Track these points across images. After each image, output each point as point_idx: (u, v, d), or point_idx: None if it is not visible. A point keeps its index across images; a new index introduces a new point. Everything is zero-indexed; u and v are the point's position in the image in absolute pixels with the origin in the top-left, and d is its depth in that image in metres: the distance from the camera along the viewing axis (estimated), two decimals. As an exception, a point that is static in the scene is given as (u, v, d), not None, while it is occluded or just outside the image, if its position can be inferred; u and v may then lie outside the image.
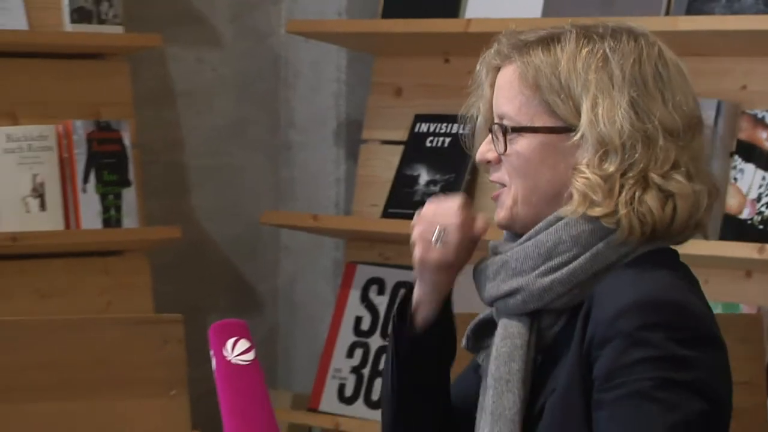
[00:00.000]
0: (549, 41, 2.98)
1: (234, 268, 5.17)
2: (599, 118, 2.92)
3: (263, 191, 5.33)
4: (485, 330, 3.15)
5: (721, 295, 4.66)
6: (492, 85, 3.00)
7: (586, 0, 4.92)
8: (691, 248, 4.46)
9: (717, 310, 4.55)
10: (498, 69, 2.98)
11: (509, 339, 3.03)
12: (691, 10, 4.56)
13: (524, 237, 3.01)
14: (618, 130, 2.89)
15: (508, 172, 2.98)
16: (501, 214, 3.02)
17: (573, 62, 2.95)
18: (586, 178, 2.91)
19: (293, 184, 5.53)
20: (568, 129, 2.95)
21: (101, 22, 4.73)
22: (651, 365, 2.91)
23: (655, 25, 4.33)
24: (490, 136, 2.98)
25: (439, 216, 3.03)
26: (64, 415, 3.34)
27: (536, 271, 2.97)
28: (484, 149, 2.99)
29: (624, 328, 2.86)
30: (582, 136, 2.92)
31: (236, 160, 5.41)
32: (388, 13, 5.07)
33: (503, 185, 3.00)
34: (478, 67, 3.02)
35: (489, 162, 2.97)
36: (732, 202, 4.71)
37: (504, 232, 3.11)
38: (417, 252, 3.08)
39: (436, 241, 3.13)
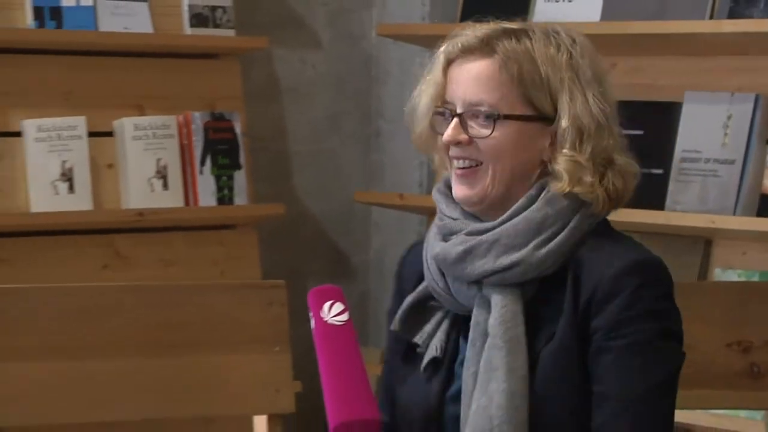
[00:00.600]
0: (518, 38, 3.08)
1: (331, 241, 5.18)
2: (577, 110, 3.04)
3: (356, 174, 5.37)
4: (419, 312, 3.15)
5: (758, 264, 4.59)
6: (446, 75, 3.08)
7: (642, 6, 4.78)
8: (735, 224, 4.51)
9: (755, 277, 4.54)
10: (452, 62, 3.07)
11: (509, 306, 3.07)
12: (733, 14, 4.51)
13: (507, 215, 3.06)
14: (592, 119, 3.01)
15: (487, 154, 3.04)
16: (474, 191, 3.07)
17: (550, 61, 3.08)
18: (574, 161, 3.04)
19: (382, 167, 5.55)
20: (544, 118, 3.07)
21: (216, 26, 4.78)
22: (651, 318, 3.08)
23: (701, 28, 4.58)
24: (457, 119, 3.04)
25: None
26: (184, 368, 3.37)
27: (531, 245, 3.04)
28: (455, 132, 3.03)
29: (627, 285, 3.01)
30: (562, 125, 3.04)
31: (333, 147, 5.43)
32: (465, 18, 4.93)
33: (476, 164, 3.05)
34: (435, 59, 3.08)
35: (459, 143, 3.03)
36: (767, 183, 4.60)
37: (446, 211, 3.15)
38: None
39: None
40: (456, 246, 3.04)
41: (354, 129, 5.43)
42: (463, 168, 3.07)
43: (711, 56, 4.63)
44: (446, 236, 3.10)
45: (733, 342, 3.57)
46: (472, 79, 3.06)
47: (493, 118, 3.05)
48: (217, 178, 4.76)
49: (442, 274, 3.13)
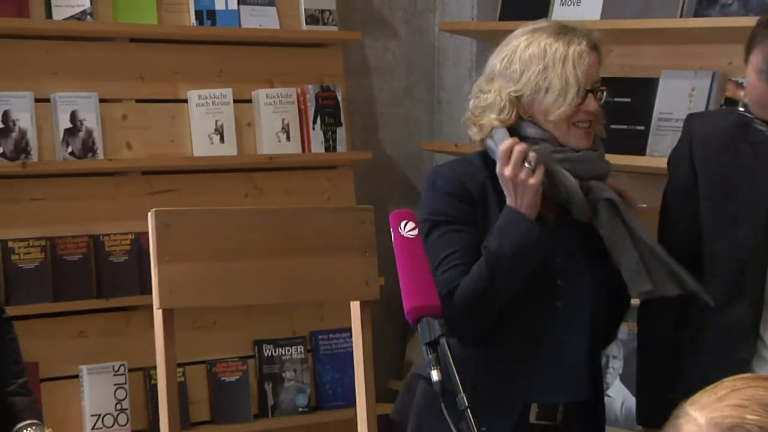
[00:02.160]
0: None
1: (405, 178, 5.14)
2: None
3: (424, 129, 5.26)
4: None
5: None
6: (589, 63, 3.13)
7: (630, 7, 4.74)
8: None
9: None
10: (590, 52, 3.12)
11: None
12: (697, 14, 4.50)
13: (594, 147, 3.21)
14: None
15: (595, 117, 3.16)
16: (590, 138, 3.17)
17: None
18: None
19: (441, 124, 5.38)
20: None
21: (324, 24, 4.84)
22: None
23: (674, 24, 4.58)
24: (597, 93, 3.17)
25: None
26: (302, 267, 3.40)
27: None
28: (597, 104, 3.15)
29: None
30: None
31: (407, 110, 5.32)
32: (503, 17, 5.03)
33: (590, 124, 3.15)
34: (575, 51, 3.10)
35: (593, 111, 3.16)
36: None
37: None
38: (523, 177, 3.04)
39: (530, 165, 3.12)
40: (594, 157, 3.16)
41: (422, 97, 5.36)
42: (587, 127, 3.15)
43: (680, 44, 4.61)
44: (571, 158, 3.13)
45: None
46: (596, 66, 3.17)
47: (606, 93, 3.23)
48: (324, 132, 4.80)
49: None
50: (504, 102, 3.16)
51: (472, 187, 3.19)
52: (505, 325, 3.21)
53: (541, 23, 3.32)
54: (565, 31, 3.22)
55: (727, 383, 1.33)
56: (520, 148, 3.04)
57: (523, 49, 3.16)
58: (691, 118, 3.43)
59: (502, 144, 3.05)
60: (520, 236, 3.05)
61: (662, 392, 3.25)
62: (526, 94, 3.14)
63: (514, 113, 3.13)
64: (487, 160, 3.23)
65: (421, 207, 3.19)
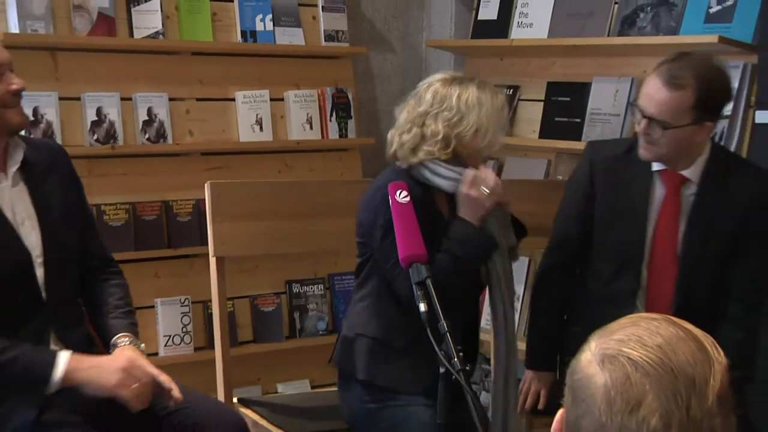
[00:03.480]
0: None
1: None
2: None
3: None
4: None
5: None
6: None
7: (570, 29, 4.62)
8: None
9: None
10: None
11: None
12: (620, 33, 4.42)
13: None
14: None
15: None
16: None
17: None
18: None
19: None
20: None
21: (338, 41, 4.79)
22: None
23: (603, 42, 4.45)
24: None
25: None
26: (322, 226, 3.48)
27: None
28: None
29: None
30: None
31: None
32: (473, 37, 4.98)
33: None
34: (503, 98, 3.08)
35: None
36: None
37: None
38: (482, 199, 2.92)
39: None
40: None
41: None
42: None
43: (608, 57, 4.52)
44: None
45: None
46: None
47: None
48: (338, 123, 4.76)
49: None
50: (445, 139, 3.00)
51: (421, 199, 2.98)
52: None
53: (460, 74, 3.18)
54: (483, 85, 3.07)
55: (622, 321, 1.30)
56: (485, 176, 2.97)
57: (458, 97, 3.00)
58: (589, 144, 3.37)
59: (468, 172, 2.95)
60: (479, 246, 2.97)
61: (549, 344, 3.32)
62: (468, 135, 2.99)
63: (451, 148, 2.99)
64: (414, 178, 3.03)
65: (376, 213, 3.01)
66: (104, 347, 2.70)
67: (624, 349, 1.23)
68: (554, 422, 1.30)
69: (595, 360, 1.25)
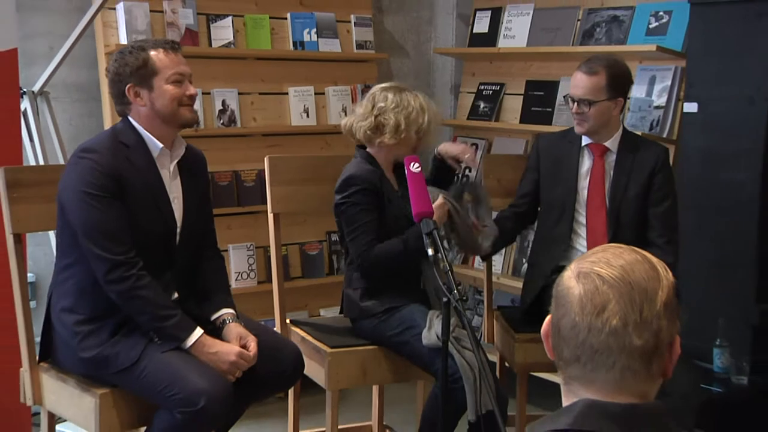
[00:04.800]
0: None
1: None
2: None
3: None
4: None
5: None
6: None
7: (544, 39, 4.58)
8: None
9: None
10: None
11: None
12: (582, 43, 4.40)
13: None
14: None
15: None
16: None
17: None
18: None
19: None
20: None
21: (366, 49, 4.75)
22: None
23: (568, 50, 4.44)
24: None
25: None
26: None
27: None
28: None
29: None
30: None
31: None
32: (470, 45, 4.96)
33: None
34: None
35: None
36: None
37: None
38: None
39: None
40: None
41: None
42: None
43: (572, 61, 4.13)
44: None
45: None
46: None
47: None
48: None
49: None
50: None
51: (377, 184, 3.06)
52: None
53: (397, 84, 3.27)
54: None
55: (596, 249, 1.31)
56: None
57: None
58: (537, 136, 3.63)
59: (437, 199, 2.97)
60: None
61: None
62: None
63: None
64: (372, 160, 3.12)
65: (346, 191, 3.05)
66: (197, 307, 2.74)
67: (595, 267, 1.25)
68: (544, 324, 1.30)
69: (573, 276, 1.26)
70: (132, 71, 2.60)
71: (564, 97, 3.30)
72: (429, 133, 3.16)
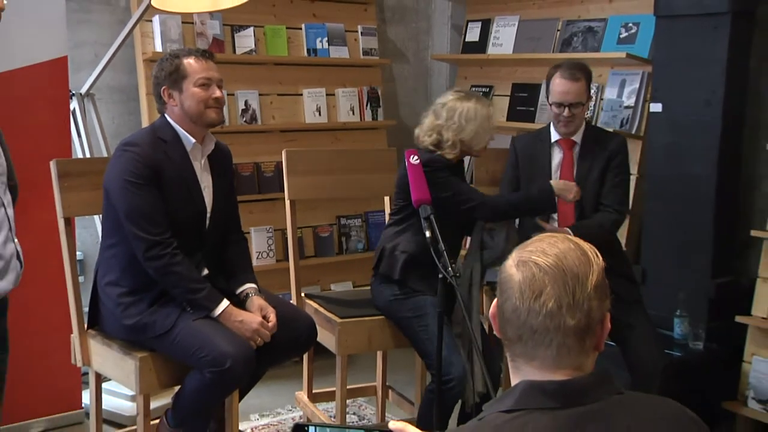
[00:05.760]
0: None
1: (411, 135, 5.00)
2: None
3: (420, 109, 4.71)
4: None
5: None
6: None
7: (521, 47, 4.57)
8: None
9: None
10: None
11: None
12: (561, 51, 4.38)
13: None
14: None
15: None
16: None
17: None
18: None
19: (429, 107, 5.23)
20: None
21: (371, 55, 4.72)
22: None
23: (550, 56, 4.36)
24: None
25: None
26: (363, 178, 3.42)
27: None
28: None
29: None
30: None
31: (413, 101, 5.06)
32: (463, 52, 4.93)
33: None
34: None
35: None
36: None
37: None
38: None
39: None
40: None
41: (421, 93, 5.17)
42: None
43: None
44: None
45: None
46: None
47: None
48: (371, 110, 4.67)
49: None
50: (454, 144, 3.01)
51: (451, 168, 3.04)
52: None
53: (465, 91, 3.14)
54: (479, 100, 3.08)
55: (534, 239, 1.28)
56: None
57: (461, 112, 3.01)
58: (514, 137, 3.48)
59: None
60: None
61: None
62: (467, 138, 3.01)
63: (458, 150, 3.03)
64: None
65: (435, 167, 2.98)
66: (224, 282, 2.74)
67: (532, 257, 1.23)
68: (491, 307, 1.29)
69: (513, 264, 1.24)
70: (167, 75, 2.62)
71: (551, 104, 3.23)
72: (474, 142, 3.05)
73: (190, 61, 2.63)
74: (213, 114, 2.66)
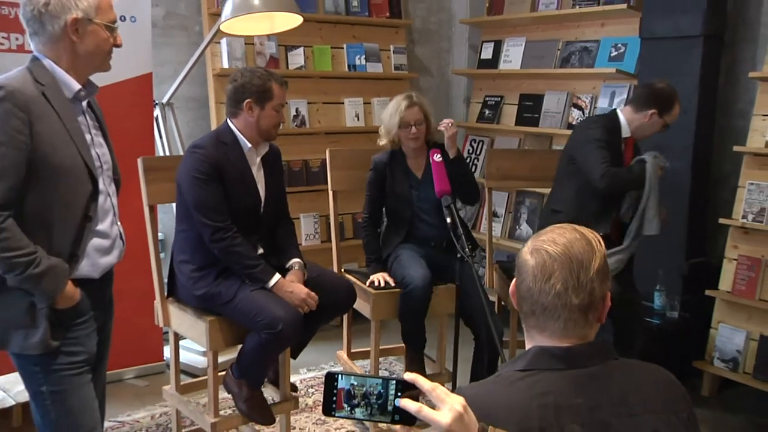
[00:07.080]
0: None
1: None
2: None
3: (442, 113, 4.70)
4: None
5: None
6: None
7: (534, 63, 4.47)
8: (564, 133, 4.07)
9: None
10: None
11: None
12: (561, 66, 4.28)
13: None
14: None
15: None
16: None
17: None
18: None
19: (450, 113, 5.05)
20: None
21: (402, 70, 4.64)
22: None
23: (550, 71, 4.29)
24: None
25: None
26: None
27: None
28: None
29: None
30: None
31: (438, 109, 4.80)
32: (479, 67, 4.86)
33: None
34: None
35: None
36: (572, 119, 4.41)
37: None
38: None
39: None
40: None
41: (442, 102, 5.10)
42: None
43: (554, 80, 4.38)
44: None
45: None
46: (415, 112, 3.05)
47: None
48: None
49: None
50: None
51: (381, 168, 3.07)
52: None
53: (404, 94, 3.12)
54: (402, 96, 3.08)
55: (546, 229, 1.27)
56: None
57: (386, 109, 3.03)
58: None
59: None
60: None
61: None
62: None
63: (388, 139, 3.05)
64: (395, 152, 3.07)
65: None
66: (276, 259, 2.74)
67: (544, 245, 1.22)
68: (511, 286, 1.28)
69: (528, 251, 1.24)
70: (256, 90, 2.59)
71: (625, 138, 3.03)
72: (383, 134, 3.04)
73: (276, 86, 2.61)
74: (275, 133, 2.68)
